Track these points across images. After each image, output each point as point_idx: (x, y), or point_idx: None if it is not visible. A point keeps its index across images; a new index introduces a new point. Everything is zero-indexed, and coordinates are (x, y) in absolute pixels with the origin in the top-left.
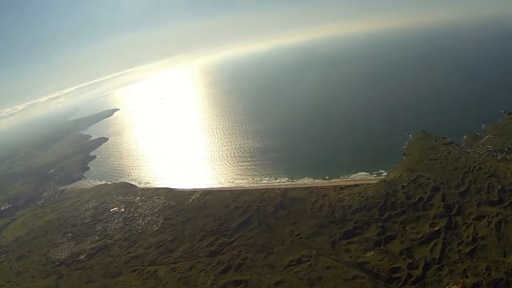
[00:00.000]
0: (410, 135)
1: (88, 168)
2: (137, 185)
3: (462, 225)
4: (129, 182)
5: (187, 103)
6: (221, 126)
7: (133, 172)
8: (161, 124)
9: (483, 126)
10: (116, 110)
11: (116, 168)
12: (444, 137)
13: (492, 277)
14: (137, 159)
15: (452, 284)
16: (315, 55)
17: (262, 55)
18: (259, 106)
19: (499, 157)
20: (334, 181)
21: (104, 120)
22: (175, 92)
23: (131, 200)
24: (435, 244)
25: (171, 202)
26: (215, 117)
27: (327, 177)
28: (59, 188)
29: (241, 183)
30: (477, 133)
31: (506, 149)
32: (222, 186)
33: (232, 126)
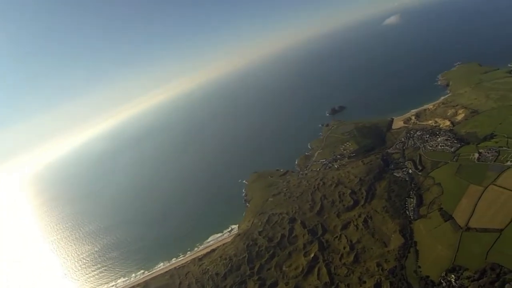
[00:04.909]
0: (244, 181)
1: None
2: None
3: (334, 240)
4: None
5: (15, 223)
6: (55, 238)
7: None
8: None
9: (308, 144)
10: None
11: None
12: (278, 169)
13: (386, 269)
14: None
15: None
16: (126, 135)
17: (76, 149)
18: (81, 208)
19: (336, 166)
20: (190, 255)
21: None
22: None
23: None
24: (319, 270)
25: None
26: (48, 230)
27: (181, 254)
28: None
29: None
30: (306, 153)
31: (338, 156)
32: None
33: (65, 236)
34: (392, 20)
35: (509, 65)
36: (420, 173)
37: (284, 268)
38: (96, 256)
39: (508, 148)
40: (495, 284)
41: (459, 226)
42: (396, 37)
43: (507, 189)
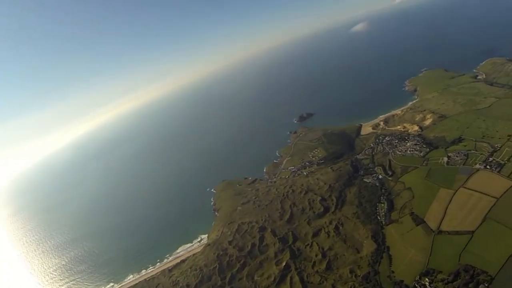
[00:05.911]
0: (213, 190)
1: None
2: None
3: (305, 248)
4: None
5: None
6: (21, 252)
7: None
8: None
9: (277, 152)
10: None
11: None
12: (246, 177)
13: (359, 276)
14: None
15: None
16: (93, 145)
17: (44, 159)
18: (48, 220)
19: (305, 173)
20: (160, 266)
21: None
22: None
23: None
24: (291, 279)
25: None
26: (14, 244)
27: (150, 266)
28: None
29: None
30: (275, 161)
31: (307, 163)
32: None
33: (31, 249)
34: (360, 27)
35: (474, 70)
36: (390, 178)
37: (256, 278)
38: (64, 270)
39: (476, 151)
40: (469, 285)
41: (431, 229)
42: (364, 44)
43: (476, 191)
